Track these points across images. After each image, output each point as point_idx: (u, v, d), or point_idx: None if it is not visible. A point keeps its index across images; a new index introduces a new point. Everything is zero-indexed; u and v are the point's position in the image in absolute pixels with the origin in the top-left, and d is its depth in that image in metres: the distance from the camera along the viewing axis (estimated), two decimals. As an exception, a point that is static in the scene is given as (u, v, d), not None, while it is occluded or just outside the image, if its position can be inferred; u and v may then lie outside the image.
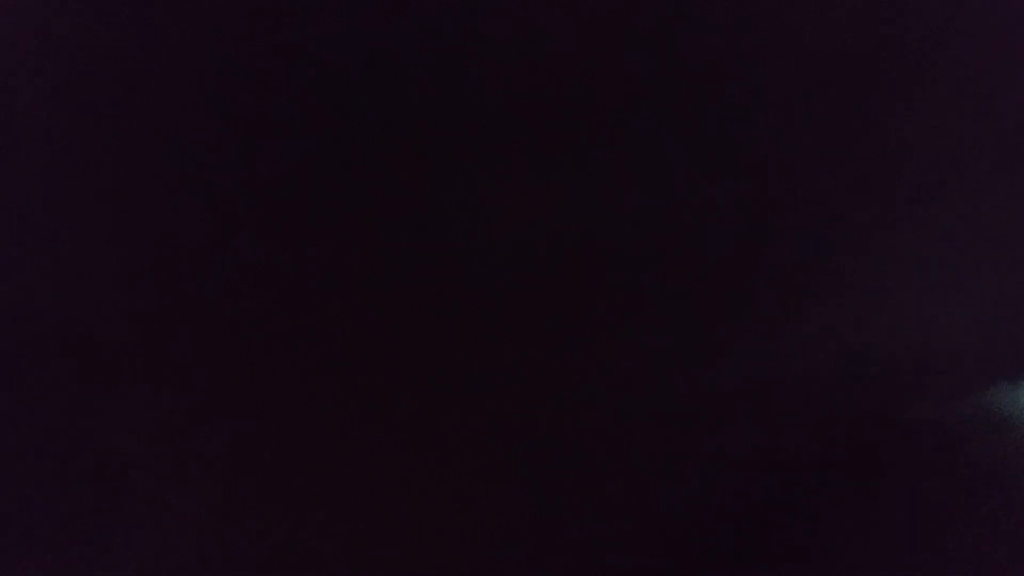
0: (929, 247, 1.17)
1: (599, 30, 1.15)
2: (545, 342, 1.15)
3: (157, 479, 1.18)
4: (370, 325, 1.17)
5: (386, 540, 1.17)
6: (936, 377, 1.15)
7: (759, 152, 1.17)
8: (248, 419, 1.18)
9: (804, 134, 1.17)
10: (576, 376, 1.15)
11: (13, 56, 1.22)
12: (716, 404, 1.14)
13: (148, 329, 1.19)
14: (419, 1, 1.18)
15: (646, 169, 1.16)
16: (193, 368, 1.19)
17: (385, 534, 1.17)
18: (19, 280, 1.20)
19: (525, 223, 1.15)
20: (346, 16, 1.20)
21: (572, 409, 1.15)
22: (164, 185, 1.21)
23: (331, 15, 1.20)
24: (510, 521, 1.15)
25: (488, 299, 1.15)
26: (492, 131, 1.16)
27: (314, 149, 1.18)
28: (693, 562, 1.14)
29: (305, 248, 1.17)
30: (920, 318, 1.16)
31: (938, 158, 1.17)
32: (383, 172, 1.17)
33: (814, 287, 1.16)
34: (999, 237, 1.17)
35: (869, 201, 1.16)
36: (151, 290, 1.20)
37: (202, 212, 1.20)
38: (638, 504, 1.14)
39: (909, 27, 1.15)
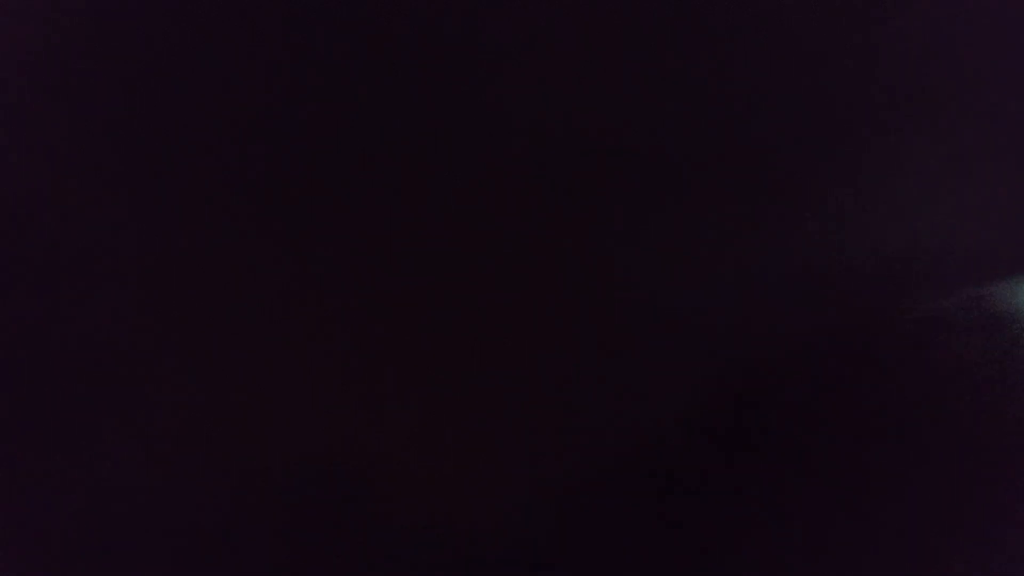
0: (928, 146, 1.19)
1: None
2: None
3: (161, 481, 1.19)
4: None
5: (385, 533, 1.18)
6: (931, 272, 1.17)
7: (768, 64, 1.21)
8: (250, 415, 1.19)
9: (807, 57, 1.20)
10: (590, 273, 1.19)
11: (13, 56, 1.22)
12: (715, 299, 1.17)
13: (147, 327, 1.20)
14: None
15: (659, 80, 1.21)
16: (195, 366, 1.19)
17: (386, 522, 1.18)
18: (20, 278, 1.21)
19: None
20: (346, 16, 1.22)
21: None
22: (165, 185, 1.22)
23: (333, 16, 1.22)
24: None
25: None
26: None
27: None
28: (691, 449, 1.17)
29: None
30: (916, 215, 1.18)
31: (939, 68, 1.20)
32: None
33: (814, 186, 1.19)
34: (996, 136, 1.20)
35: (871, 104, 1.19)
36: (151, 288, 1.20)
37: (203, 212, 1.21)
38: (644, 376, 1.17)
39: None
